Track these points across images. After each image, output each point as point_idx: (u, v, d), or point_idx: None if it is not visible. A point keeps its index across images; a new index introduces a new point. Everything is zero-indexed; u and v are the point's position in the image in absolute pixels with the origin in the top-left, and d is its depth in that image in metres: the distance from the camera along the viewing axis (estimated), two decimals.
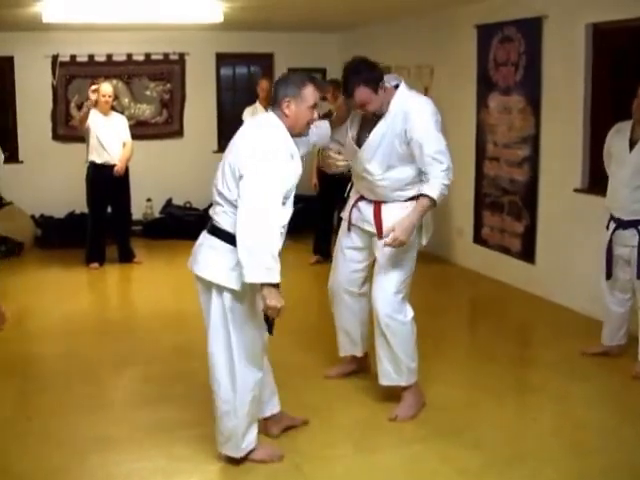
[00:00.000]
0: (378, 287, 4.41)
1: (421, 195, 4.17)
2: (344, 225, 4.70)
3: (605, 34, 6.10)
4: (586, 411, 4.55)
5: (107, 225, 8.32)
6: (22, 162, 9.78)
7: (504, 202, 7.37)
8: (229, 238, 3.58)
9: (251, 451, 3.88)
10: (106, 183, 8.07)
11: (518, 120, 7.05)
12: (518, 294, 7.07)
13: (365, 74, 4.14)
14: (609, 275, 5.20)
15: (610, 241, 5.15)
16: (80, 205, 8.70)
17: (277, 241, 3.49)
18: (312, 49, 10.67)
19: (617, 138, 5.15)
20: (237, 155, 3.59)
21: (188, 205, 10.23)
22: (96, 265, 8.24)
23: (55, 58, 9.72)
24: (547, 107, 6.73)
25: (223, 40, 10.15)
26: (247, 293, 3.65)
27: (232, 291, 3.61)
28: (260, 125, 3.75)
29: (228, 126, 10.31)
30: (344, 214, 4.71)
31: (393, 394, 4.59)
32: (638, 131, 4.99)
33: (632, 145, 4.99)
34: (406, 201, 4.32)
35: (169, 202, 10.23)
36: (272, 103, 3.80)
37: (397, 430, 4.33)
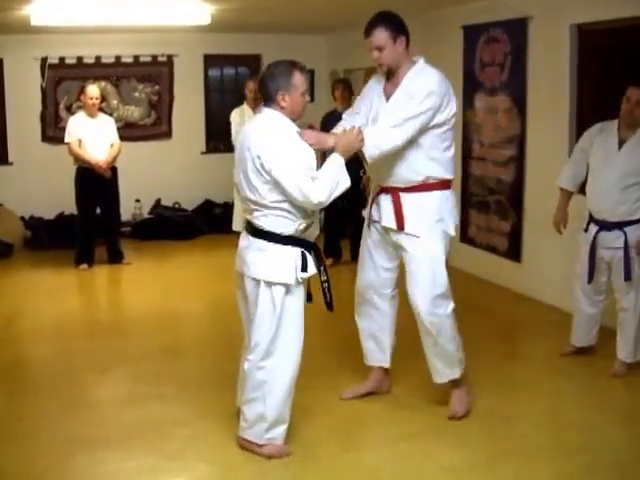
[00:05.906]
0: (414, 286, 4.30)
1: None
2: (367, 223, 4.54)
3: (589, 34, 6.15)
4: (571, 409, 4.60)
5: (96, 226, 8.34)
6: (11, 163, 9.81)
7: (490, 201, 7.42)
8: (275, 237, 3.82)
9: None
10: (95, 185, 8.08)
11: (504, 120, 7.10)
12: (504, 292, 7.12)
13: (389, 20, 4.18)
14: (591, 279, 5.14)
15: (593, 244, 5.05)
16: (69, 206, 8.72)
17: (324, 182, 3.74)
18: (300, 51, 10.61)
19: (601, 138, 5.02)
20: (255, 162, 3.71)
21: (177, 206, 10.25)
22: (85, 266, 8.25)
23: (44, 60, 9.75)
24: (532, 107, 6.78)
25: (211, 42, 10.19)
26: (297, 287, 3.85)
27: (283, 285, 3.81)
28: (264, 126, 3.82)
29: (216, 127, 10.38)
30: (365, 211, 4.57)
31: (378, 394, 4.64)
32: (626, 132, 4.91)
33: (620, 145, 4.91)
34: (424, 191, 4.37)
35: (158, 203, 10.26)
36: (265, 100, 3.84)
37: (382, 428, 4.37)
